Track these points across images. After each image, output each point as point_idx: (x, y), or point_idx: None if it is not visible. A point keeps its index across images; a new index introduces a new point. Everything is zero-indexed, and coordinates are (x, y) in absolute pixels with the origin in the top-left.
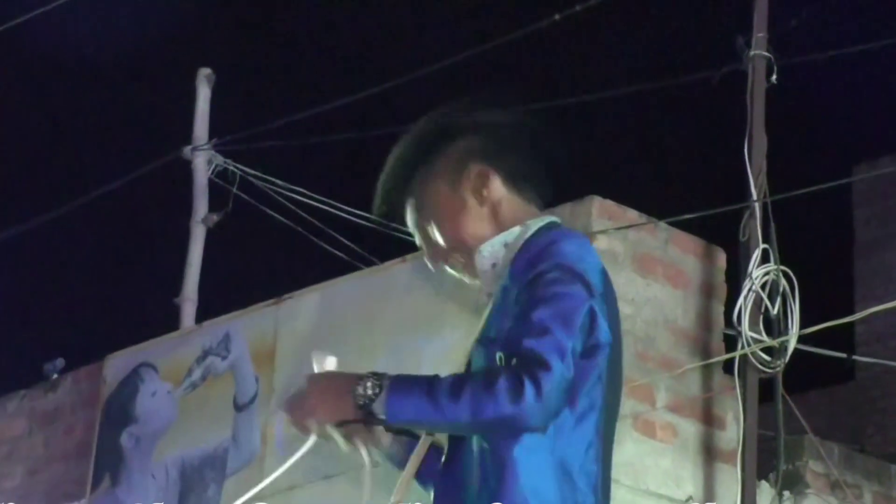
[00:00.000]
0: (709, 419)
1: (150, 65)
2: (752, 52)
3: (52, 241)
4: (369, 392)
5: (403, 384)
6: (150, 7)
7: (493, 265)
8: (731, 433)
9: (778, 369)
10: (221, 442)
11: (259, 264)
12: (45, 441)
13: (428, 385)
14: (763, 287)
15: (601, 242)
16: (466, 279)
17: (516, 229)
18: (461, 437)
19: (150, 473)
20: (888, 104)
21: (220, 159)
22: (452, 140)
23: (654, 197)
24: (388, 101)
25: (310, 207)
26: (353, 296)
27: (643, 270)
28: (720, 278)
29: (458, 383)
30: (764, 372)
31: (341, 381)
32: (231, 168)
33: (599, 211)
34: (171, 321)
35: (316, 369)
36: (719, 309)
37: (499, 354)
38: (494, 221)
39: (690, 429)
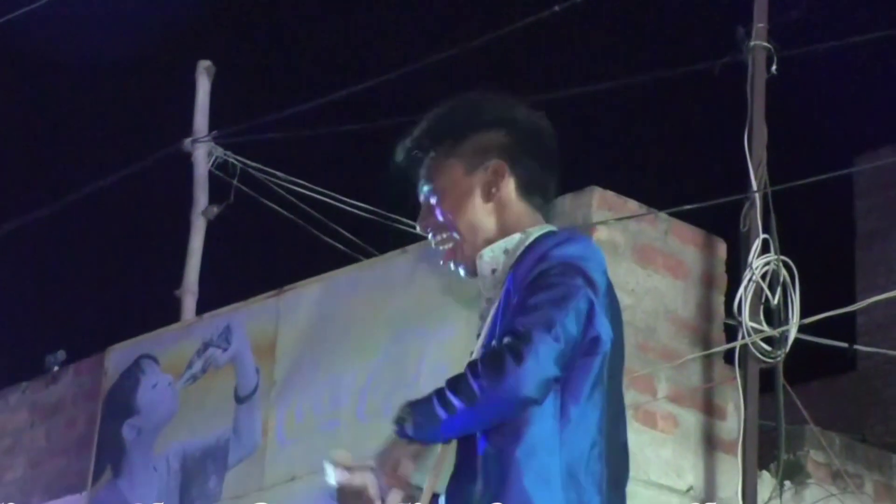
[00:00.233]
0: (709, 409)
1: (150, 57)
2: (752, 43)
3: (53, 233)
4: (401, 415)
5: (425, 397)
6: (150, 0)
7: (493, 271)
8: (732, 423)
9: (778, 359)
10: (222, 434)
11: (259, 256)
12: (46, 433)
13: (439, 389)
14: (763, 277)
15: (601, 233)
16: (451, 266)
17: (517, 236)
18: (468, 445)
19: (151, 465)
20: (889, 94)
21: (220, 151)
22: (486, 128)
23: (654, 188)
24: (387, 93)
25: (310, 199)
26: (353, 287)
27: (643, 261)
28: (720, 269)
29: (457, 378)
30: (764, 362)
31: (391, 438)
32: (231, 160)
33: (600, 202)
34: (171, 313)
35: (333, 475)
36: (720, 299)
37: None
38: (495, 220)
39: (691, 419)
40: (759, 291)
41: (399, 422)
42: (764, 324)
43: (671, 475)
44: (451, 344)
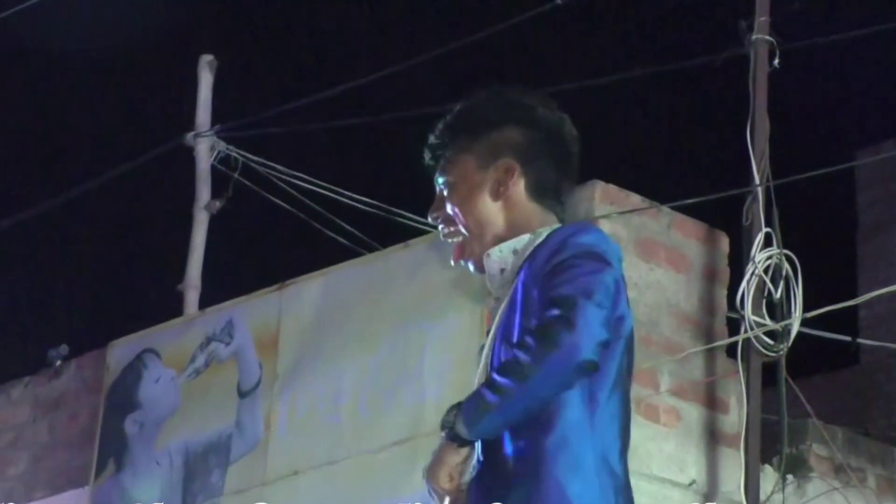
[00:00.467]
0: (712, 403)
1: (153, 51)
2: (754, 37)
3: (55, 228)
4: (450, 418)
5: (472, 394)
6: None
7: (502, 270)
8: (735, 417)
9: (781, 353)
10: (225, 428)
11: (262, 250)
12: (49, 428)
13: (486, 382)
14: (766, 271)
15: (604, 227)
16: (461, 264)
17: (526, 237)
18: (494, 441)
19: (154, 460)
20: (892, 88)
21: (222, 146)
22: (504, 126)
23: (656, 181)
24: (390, 87)
25: (312, 194)
26: (355, 281)
27: (646, 255)
28: (723, 262)
29: (503, 364)
30: (767, 356)
31: (441, 439)
32: (233, 154)
33: (602, 195)
34: (174, 308)
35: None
36: (722, 293)
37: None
38: (504, 218)
39: (694, 413)
40: (761, 285)
41: (446, 425)
42: (766, 317)
43: (674, 469)
44: (453, 338)
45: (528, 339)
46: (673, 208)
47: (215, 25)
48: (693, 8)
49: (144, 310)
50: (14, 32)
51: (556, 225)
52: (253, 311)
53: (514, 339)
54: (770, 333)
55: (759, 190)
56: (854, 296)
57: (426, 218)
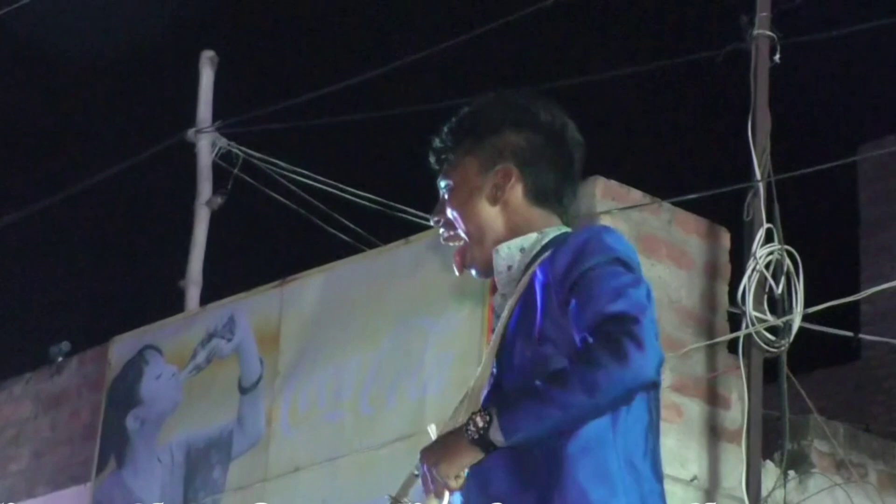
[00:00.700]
0: (713, 399)
1: (154, 47)
2: (755, 32)
3: (57, 224)
4: (480, 425)
5: (509, 400)
6: None
7: (509, 267)
8: (736, 413)
9: (782, 349)
10: (226, 424)
11: (263, 246)
12: (50, 424)
13: (531, 390)
14: (767, 266)
15: (605, 223)
16: (464, 271)
17: (533, 235)
18: (530, 442)
19: (155, 456)
20: (893, 83)
21: (223, 142)
22: (507, 130)
23: (657, 177)
24: (391, 82)
25: (314, 189)
26: (356, 277)
27: (647, 251)
28: (724, 258)
29: (558, 374)
30: (768, 351)
31: (450, 436)
32: (235, 150)
33: (603, 191)
34: (175, 304)
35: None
36: (723, 289)
37: (582, 335)
38: (503, 223)
39: (695, 409)
40: (762, 281)
41: (475, 432)
42: (768, 313)
43: (675, 465)
44: (454, 334)
45: (598, 355)
46: (674, 204)
47: (216, 21)
48: (694, 3)
49: (146, 306)
50: (15, 29)
51: (562, 226)
52: (254, 307)
53: (535, 336)
54: (771, 329)
55: (761, 185)
56: (856, 292)
57: (428, 215)
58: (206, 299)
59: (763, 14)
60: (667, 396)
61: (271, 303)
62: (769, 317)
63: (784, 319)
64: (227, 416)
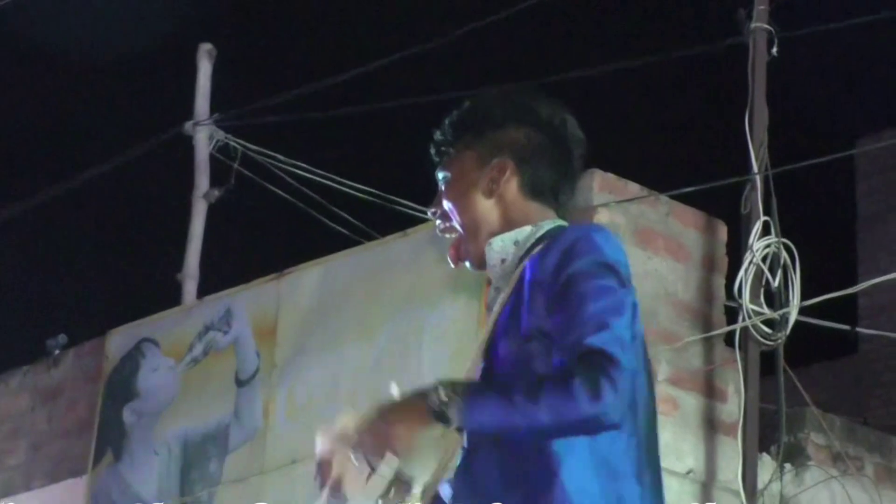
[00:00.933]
0: (710, 392)
1: (152, 40)
2: (753, 25)
3: (54, 217)
4: (443, 398)
5: (478, 388)
6: None
7: (503, 261)
8: (733, 406)
9: (779, 342)
10: (223, 417)
11: (260, 239)
12: (47, 417)
13: (502, 389)
14: (764, 260)
15: (602, 216)
16: (451, 265)
17: (527, 228)
18: (485, 442)
19: (152, 449)
20: (891, 76)
21: (221, 135)
22: (506, 125)
23: (655, 170)
24: (390, 75)
25: (311, 182)
26: (354, 270)
27: (644, 244)
28: (721, 251)
29: (533, 386)
30: (765, 344)
31: (412, 398)
32: (232, 143)
33: (600, 184)
34: (172, 297)
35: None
36: (720, 282)
37: (562, 359)
38: (499, 216)
39: (691, 402)
40: (759, 274)
41: (436, 398)
42: (764, 306)
43: (671, 458)
44: (451, 327)
45: (574, 387)
46: (671, 197)
47: (214, 14)
48: None
49: (143, 299)
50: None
51: (557, 220)
52: (251, 299)
53: (521, 334)
54: (768, 322)
55: (758, 179)
56: (853, 284)
57: (425, 207)
58: (203, 292)
59: (761, 7)
60: (663, 389)
61: (268, 295)
62: (766, 310)
63: (781, 312)
64: (224, 409)
